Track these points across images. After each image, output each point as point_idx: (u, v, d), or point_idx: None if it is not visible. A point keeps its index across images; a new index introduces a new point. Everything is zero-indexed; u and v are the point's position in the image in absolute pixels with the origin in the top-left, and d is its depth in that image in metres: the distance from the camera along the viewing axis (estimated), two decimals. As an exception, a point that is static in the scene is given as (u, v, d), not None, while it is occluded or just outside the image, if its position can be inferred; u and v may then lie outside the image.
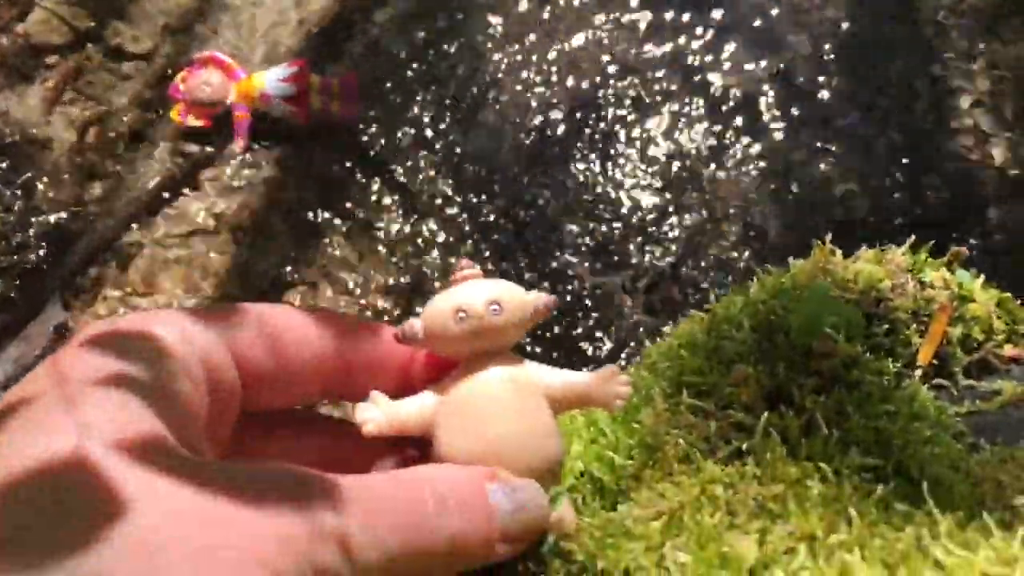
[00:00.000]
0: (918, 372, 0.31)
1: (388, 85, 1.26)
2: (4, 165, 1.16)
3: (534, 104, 1.25)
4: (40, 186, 1.15)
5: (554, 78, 1.27)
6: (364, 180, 1.18)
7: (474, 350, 0.25)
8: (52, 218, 1.13)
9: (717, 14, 1.31)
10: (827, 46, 1.28)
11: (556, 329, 1.07)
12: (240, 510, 0.20)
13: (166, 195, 1.16)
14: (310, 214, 1.14)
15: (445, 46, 1.29)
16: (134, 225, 1.13)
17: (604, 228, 1.17)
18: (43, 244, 1.10)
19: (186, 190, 1.16)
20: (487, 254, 1.14)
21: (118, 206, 1.15)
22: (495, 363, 0.25)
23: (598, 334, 1.07)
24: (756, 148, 1.22)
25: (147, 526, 0.19)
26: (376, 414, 0.25)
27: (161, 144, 1.20)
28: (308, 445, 0.29)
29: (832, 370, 0.28)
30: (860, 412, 0.27)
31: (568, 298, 1.09)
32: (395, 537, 0.22)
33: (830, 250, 0.35)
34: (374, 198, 1.17)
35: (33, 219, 1.12)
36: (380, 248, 1.13)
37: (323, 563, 0.20)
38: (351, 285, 1.09)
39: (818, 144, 1.22)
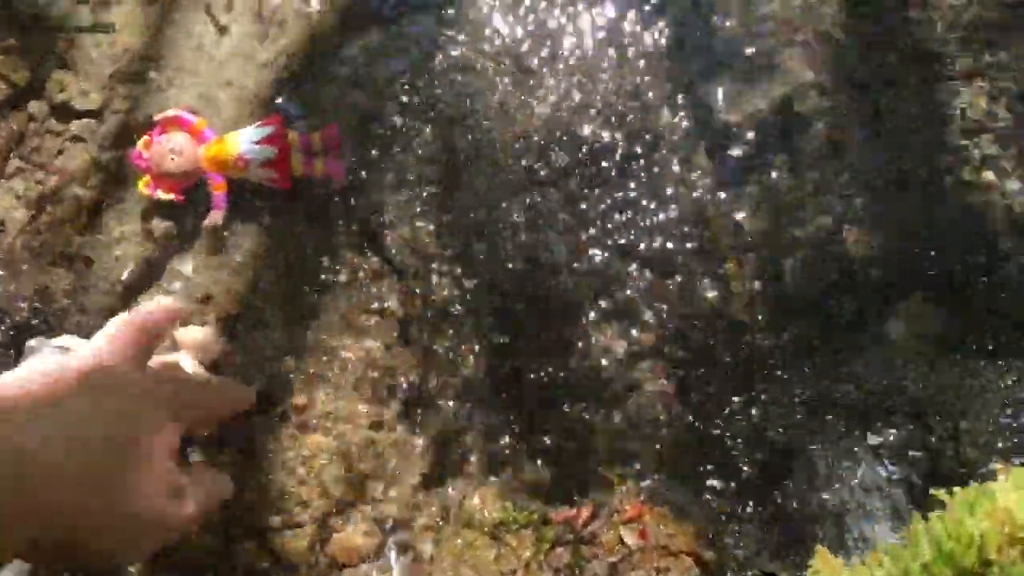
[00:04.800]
0: None
1: (366, 132, 1.16)
2: (-44, 260, 1.04)
3: (525, 147, 1.17)
4: (-1, 283, 1.04)
5: (545, 119, 1.19)
6: (355, 249, 1.10)
7: None
8: (16, 318, 1.02)
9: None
10: (825, 75, 1.22)
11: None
12: None
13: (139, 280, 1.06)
14: (303, 290, 1.06)
15: (424, 83, 1.20)
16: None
17: (616, 290, 1.12)
18: (9, 351, 1.00)
19: (165, 273, 1.06)
20: (489, 324, 1.08)
21: (90, 299, 1.05)
22: None
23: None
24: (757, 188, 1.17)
25: None
26: None
27: (127, 220, 1.09)
28: None
29: None
30: None
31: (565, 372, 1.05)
32: None
33: None
34: (364, 269, 1.09)
35: (-4, 323, 1.01)
36: (373, 333, 1.06)
37: None
38: (345, 382, 1.02)
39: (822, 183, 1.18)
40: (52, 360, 0.57)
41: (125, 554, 0.56)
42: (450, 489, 0.97)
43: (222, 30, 1.22)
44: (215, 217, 1.06)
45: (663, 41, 1.24)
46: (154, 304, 0.65)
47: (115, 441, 0.55)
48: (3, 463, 0.48)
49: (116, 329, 0.61)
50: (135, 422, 0.56)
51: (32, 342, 0.90)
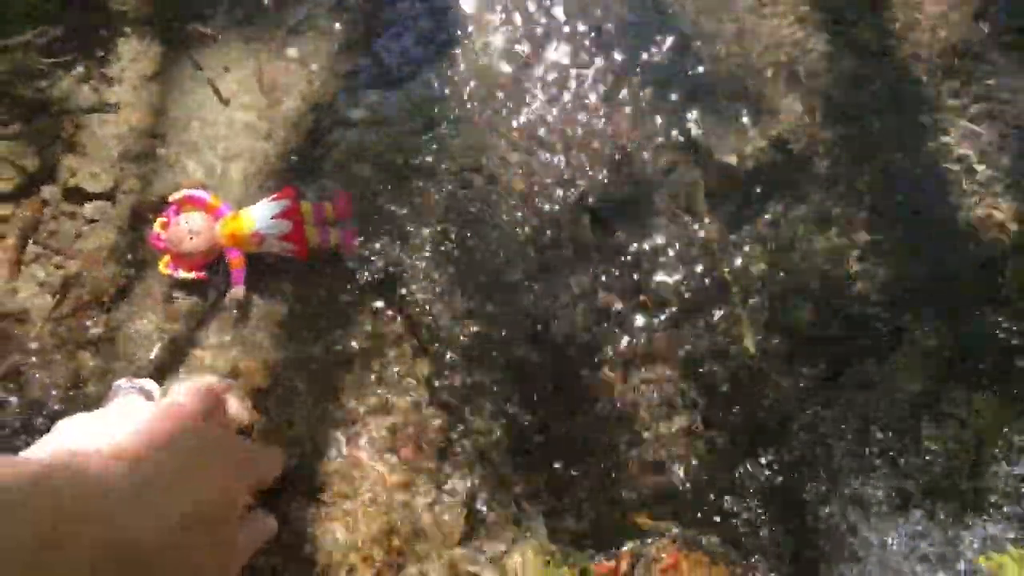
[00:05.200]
0: None
1: (380, 198, 1.18)
2: (-17, 351, 1.06)
3: (546, 204, 1.20)
4: (32, 371, 1.06)
5: (567, 174, 1.22)
6: (375, 314, 1.12)
7: None
8: (54, 407, 1.04)
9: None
10: (818, 111, 1.26)
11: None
12: None
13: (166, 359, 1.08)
14: (328, 359, 1.09)
15: (436, 141, 1.22)
16: (143, 401, 1.04)
17: (626, 330, 1.15)
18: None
19: (191, 350, 1.08)
20: (512, 378, 1.11)
21: (119, 377, 1.06)
22: None
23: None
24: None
25: None
26: None
27: (150, 300, 1.11)
28: None
29: None
30: None
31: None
32: None
33: None
34: (386, 334, 1.12)
35: (33, 415, 1.03)
36: (400, 396, 1.08)
37: None
38: (383, 443, 1.05)
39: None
40: (139, 405, 0.63)
41: None
42: (489, 545, 1.00)
43: (225, 103, 1.24)
44: (236, 293, 1.08)
45: (651, 84, 1.27)
46: (204, 379, 0.69)
47: (203, 513, 0.58)
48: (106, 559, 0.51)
49: (188, 390, 0.65)
50: (218, 488, 0.60)
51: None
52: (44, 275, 1.12)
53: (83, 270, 1.12)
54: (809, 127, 1.26)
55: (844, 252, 1.19)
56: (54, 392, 1.05)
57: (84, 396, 1.05)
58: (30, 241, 1.14)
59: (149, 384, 0.98)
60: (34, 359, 1.06)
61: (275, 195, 1.10)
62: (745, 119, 1.26)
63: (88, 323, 1.10)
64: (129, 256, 1.13)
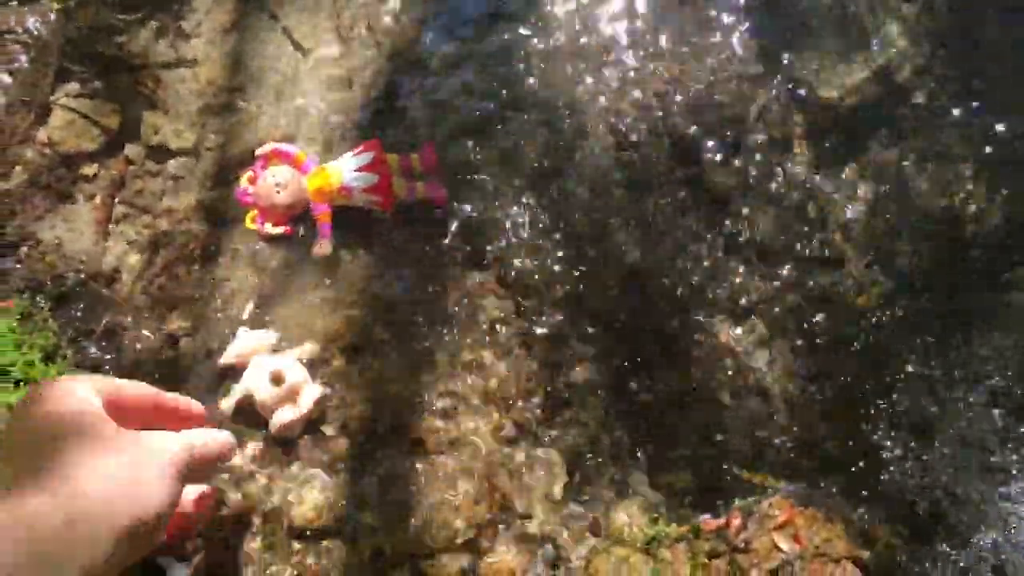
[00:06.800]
0: None
1: (465, 148, 1.15)
2: (79, 313, 1.06)
3: (639, 148, 1.15)
4: (125, 332, 1.05)
5: (659, 116, 1.16)
6: (465, 266, 1.09)
7: None
8: (150, 368, 1.04)
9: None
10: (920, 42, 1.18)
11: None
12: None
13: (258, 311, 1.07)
14: (418, 319, 1.06)
15: (522, 87, 1.18)
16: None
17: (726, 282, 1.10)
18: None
19: (279, 307, 1.07)
20: (609, 333, 1.08)
21: (213, 340, 1.06)
22: None
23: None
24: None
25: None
26: None
27: (238, 256, 1.09)
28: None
29: None
30: None
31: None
32: None
33: None
34: (476, 287, 1.09)
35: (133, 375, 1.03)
36: (493, 351, 1.06)
37: None
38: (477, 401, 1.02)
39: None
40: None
41: None
42: (592, 503, 0.98)
43: (304, 52, 1.20)
44: (324, 246, 1.06)
45: (746, 20, 1.20)
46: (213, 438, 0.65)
47: None
48: None
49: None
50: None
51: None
52: (133, 234, 1.12)
53: (172, 228, 1.11)
54: (912, 59, 1.18)
55: (950, 186, 1.12)
56: (148, 351, 1.04)
57: (180, 355, 1.05)
58: (116, 200, 1.13)
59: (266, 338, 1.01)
60: (128, 319, 1.06)
61: (360, 147, 1.07)
62: (846, 52, 1.18)
63: (179, 281, 1.09)
64: (215, 212, 1.11)
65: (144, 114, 1.17)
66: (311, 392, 0.96)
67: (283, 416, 0.94)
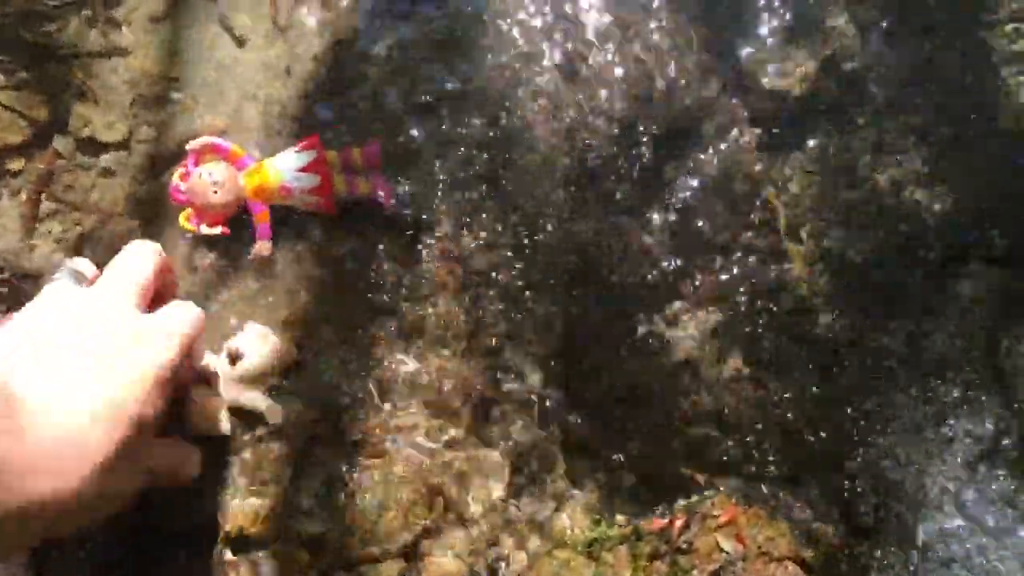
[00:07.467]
0: None
1: (408, 138, 1.12)
2: (3, 311, 1.02)
3: (585, 139, 1.13)
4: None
5: (606, 105, 1.14)
6: (408, 260, 1.07)
7: None
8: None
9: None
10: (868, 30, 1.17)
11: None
12: None
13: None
14: (360, 316, 1.04)
15: (466, 75, 1.15)
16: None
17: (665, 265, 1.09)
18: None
19: (215, 309, 1.04)
20: (556, 324, 1.06)
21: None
22: None
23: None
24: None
25: None
26: None
27: (170, 255, 1.06)
28: None
29: None
30: None
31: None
32: None
33: None
34: (420, 280, 1.06)
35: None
36: (436, 345, 1.03)
37: None
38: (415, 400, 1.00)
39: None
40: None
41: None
42: (534, 504, 0.96)
43: (240, 42, 1.17)
44: (263, 248, 1.03)
45: (693, 8, 1.19)
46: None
47: None
48: None
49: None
50: None
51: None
52: (61, 231, 1.08)
53: (101, 225, 1.07)
54: (860, 47, 1.17)
55: (899, 176, 1.12)
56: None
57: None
58: (43, 196, 1.09)
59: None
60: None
61: (301, 144, 1.04)
62: (792, 41, 1.17)
63: (110, 281, 1.04)
64: (147, 209, 1.08)
65: (74, 106, 1.13)
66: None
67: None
